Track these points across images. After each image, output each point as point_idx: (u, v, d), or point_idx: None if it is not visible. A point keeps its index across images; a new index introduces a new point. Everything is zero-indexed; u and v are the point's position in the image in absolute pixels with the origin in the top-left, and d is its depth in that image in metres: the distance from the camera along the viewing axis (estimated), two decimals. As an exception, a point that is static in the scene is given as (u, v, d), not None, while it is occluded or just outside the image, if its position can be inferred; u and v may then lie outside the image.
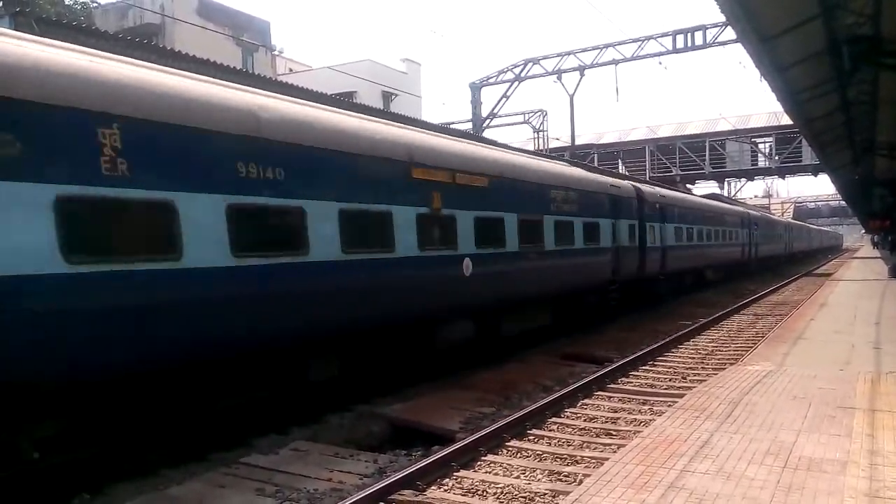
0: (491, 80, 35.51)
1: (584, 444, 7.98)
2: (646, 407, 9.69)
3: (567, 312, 16.42)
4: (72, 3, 26.67)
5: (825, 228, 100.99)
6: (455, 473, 7.00)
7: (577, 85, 34.31)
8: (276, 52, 34.46)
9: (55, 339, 6.01)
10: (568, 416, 9.28)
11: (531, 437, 8.31)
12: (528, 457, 7.60)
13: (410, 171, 10.53)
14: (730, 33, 26.54)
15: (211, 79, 8.49)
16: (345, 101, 14.81)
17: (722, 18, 19.09)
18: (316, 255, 8.64)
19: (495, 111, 36.04)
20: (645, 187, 22.83)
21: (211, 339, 7.52)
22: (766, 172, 47.96)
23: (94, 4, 27.53)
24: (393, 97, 35.57)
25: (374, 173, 9.84)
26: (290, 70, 38.59)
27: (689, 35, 30.23)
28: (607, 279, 17.80)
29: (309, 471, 7.23)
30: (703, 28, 29.58)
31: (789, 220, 65.03)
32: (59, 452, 6.51)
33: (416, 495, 6.37)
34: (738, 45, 14.61)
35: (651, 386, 11.13)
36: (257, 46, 30.52)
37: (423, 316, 11.10)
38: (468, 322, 12.59)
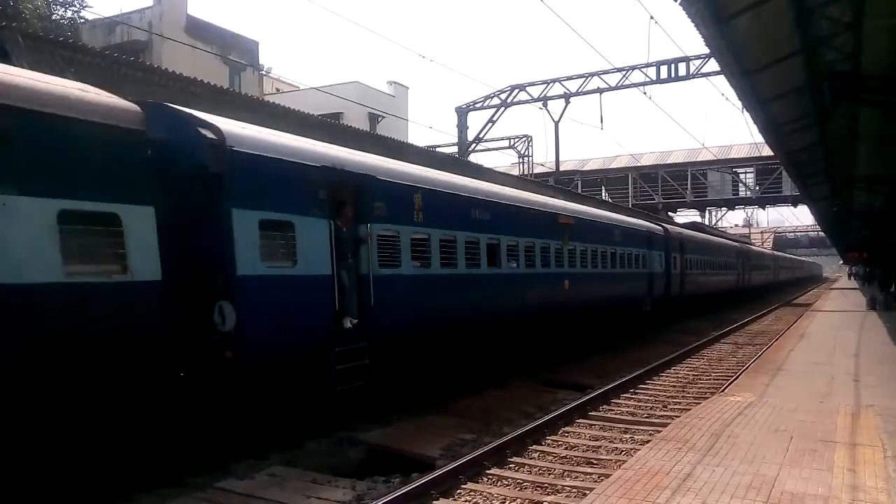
0: (478, 105, 35.78)
1: (565, 473, 7.91)
2: (627, 435, 9.65)
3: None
4: (59, 18, 26.54)
5: (806, 259, 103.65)
6: (434, 502, 6.91)
7: (563, 112, 34.70)
8: (263, 72, 34.44)
9: None
10: (549, 444, 9.21)
11: (512, 465, 8.23)
12: (508, 485, 7.52)
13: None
14: (712, 65, 26.98)
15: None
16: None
17: (705, 50, 19.44)
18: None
19: (481, 136, 36.27)
20: (668, 226, 28.46)
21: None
22: (746, 202, 48.65)
23: (82, 20, 27.41)
24: (380, 119, 35.65)
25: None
26: (278, 90, 38.58)
27: (672, 66, 30.69)
28: (644, 294, 23.13)
29: (286, 497, 7.08)
30: (687, 59, 30.05)
31: (776, 252, 69.70)
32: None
33: (395, 525, 6.26)
34: (721, 77, 14.86)
35: (632, 414, 11.10)
36: (244, 66, 30.52)
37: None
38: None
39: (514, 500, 6.98)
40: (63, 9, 27.03)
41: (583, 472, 7.90)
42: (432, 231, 11.47)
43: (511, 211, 14.27)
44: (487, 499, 7.06)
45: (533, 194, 17.20)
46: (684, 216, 52.29)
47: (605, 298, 19.56)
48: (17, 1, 22.91)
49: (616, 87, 32.23)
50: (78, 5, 27.34)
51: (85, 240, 6.61)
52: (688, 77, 30.41)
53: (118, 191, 6.84)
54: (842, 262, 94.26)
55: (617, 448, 8.96)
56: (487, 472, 7.87)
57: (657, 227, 25.75)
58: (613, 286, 20.24)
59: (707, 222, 53.01)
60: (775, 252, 70.36)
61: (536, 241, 15.11)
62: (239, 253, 7.92)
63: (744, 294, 42.33)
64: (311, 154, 9.37)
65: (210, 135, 7.97)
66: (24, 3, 23.29)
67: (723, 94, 51.96)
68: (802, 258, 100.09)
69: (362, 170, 10.11)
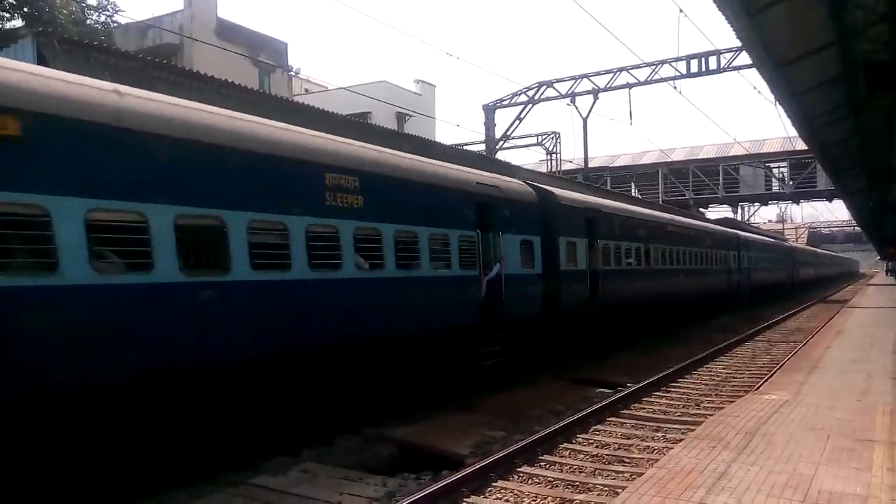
0: (505, 103, 35.59)
1: (597, 472, 7.86)
2: (659, 434, 9.55)
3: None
4: (93, 22, 27.01)
5: (844, 255, 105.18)
6: (465, 499, 6.91)
7: (591, 108, 34.36)
8: (292, 73, 34.70)
9: None
10: (580, 443, 9.16)
11: (543, 463, 8.20)
12: (539, 483, 7.49)
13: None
14: (744, 58, 26.54)
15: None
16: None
17: (736, 43, 19.17)
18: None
19: (509, 133, 36.13)
20: (791, 243, 53.92)
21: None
22: (780, 197, 47.83)
23: (115, 24, 27.85)
24: (407, 118, 35.73)
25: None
26: (306, 91, 38.92)
27: (703, 60, 30.20)
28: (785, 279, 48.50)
29: (318, 493, 7.16)
30: (718, 53, 29.56)
31: (829, 252, 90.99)
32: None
33: (426, 522, 6.27)
34: (753, 70, 14.64)
35: (664, 413, 10.98)
36: (274, 67, 30.80)
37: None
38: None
39: (546, 498, 6.95)
40: (97, 13, 27.49)
41: (615, 471, 7.84)
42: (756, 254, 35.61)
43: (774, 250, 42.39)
44: (519, 496, 7.04)
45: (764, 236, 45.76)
46: (716, 212, 51.61)
47: (769, 281, 40.25)
48: (53, 7, 23.38)
49: (645, 82, 31.80)
50: (111, 10, 27.78)
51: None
52: (719, 71, 29.90)
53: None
54: (879, 257, 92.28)
55: (649, 447, 8.88)
56: (518, 469, 7.85)
57: (786, 244, 50.97)
58: (772, 275, 42.21)
59: (739, 218, 52.22)
60: (829, 252, 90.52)
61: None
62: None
63: (816, 281, 66.19)
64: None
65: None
66: (60, 9, 23.75)
67: (755, 88, 51.21)
68: (840, 254, 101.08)
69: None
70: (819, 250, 79.48)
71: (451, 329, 11.65)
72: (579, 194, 18.31)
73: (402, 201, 10.66)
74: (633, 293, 19.05)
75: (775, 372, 12.85)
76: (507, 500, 6.95)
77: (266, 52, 30.76)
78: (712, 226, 32.15)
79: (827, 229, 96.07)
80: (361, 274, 9.69)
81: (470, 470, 7.44)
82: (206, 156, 7.68)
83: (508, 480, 7.52)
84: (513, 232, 13.51)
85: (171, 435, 7.23)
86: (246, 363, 7.91)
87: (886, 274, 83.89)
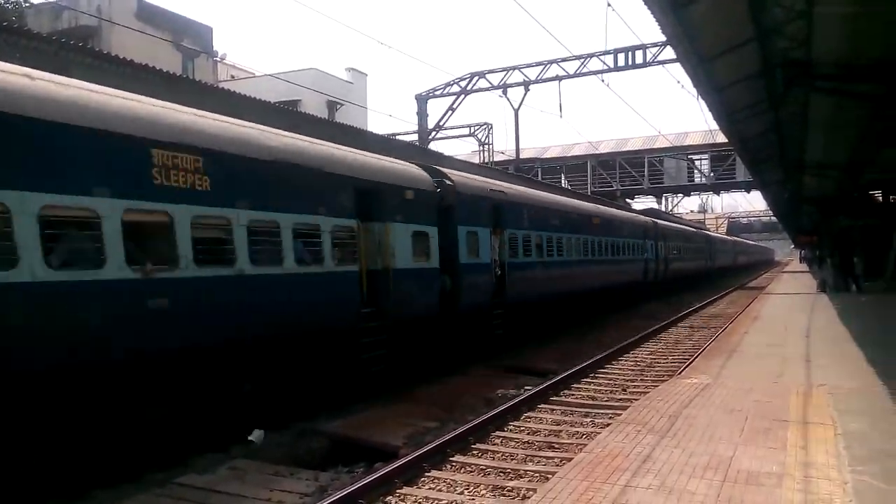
0: (437, 93, 35.60)
1: (528, 458, 7.98)
2: (587, 420, 9.78)
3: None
4: (3, 2, 25.54)
5: (761, 244, 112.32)
6: (398, 490, 6.90)
7: (522, 99, 34.77)
8: (217, 59, 33.69)
9: None
10: (511, 430, 9.29)
11: (475, 452, 8.27)
12: (472, 472, 7.55)
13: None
14: (668, 53, 27.34)
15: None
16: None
17: (661, 38, 19.68)
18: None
19: (441, 123, 36.17)
20: (734, 239, 79.49)
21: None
22: (701, 188, 49.59)
23: (27, 4, 26.41)
24: (338, 107, 35.24)
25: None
26: (232, 77, 37.83)
27: (629, 54, 30.96)
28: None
29: (247, 490, 7.01)
30: (644, 47, 30.35)
31: (753, 242, 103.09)
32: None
33: (359, 514, 6.24)
34: (677, 65, 15.05)
35: (592, 398, 11.25)
36: (198, 52, 29.82)
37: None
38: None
39: (478, 487, 7.02)
40: (7, -8, 26.00)
41: (545, 457, 7.98)
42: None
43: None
44: (451, 486, 7.09)
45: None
46: (641, 202, 53.08)
47: (721, 265, 55.85)
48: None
49: (574, 75, 32.39)
50: (23, -11, 26.34)
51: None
52: (644, 65, 30.71)
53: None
54: (793, 245, 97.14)
55: (578, 432, 9.07)
56: (451, 459, 7.90)
57: (731, 239, 69.91)
58: (723, 261, 57.52)
59: (663, 208, 53.91)
60: (755, 243, 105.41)
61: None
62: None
63: (747, 265, 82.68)
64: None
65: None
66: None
67: (678, 82, 52.72)
68: (759, 243, 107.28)
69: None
70: (750, 241, 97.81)
71: (636, 282, 28.45)
72: (661, 220, 36.28)
73: (622, 228, 26.30)
74: (675, 269, 36.29)
75: (697, 357, 13.33)
76: (439, 490, 6.98)
77: (189, 37, 29.73)
78: (695, 230, 49.13)
79: (745, 219, 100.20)
80: (619, 257, 25.26)
81: (403, 461, 7.44)
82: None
83: (441, 470, 7.56)
84: (650, 239, 30.51)
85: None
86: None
87: (800, 261, 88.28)
